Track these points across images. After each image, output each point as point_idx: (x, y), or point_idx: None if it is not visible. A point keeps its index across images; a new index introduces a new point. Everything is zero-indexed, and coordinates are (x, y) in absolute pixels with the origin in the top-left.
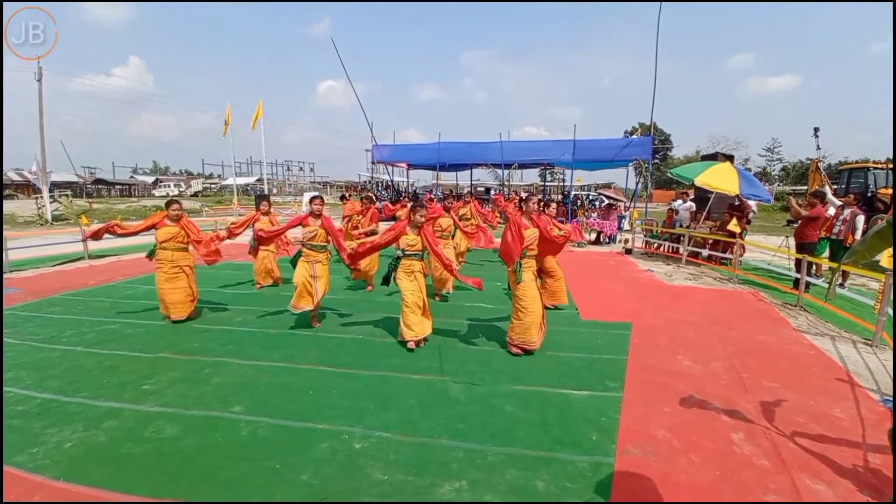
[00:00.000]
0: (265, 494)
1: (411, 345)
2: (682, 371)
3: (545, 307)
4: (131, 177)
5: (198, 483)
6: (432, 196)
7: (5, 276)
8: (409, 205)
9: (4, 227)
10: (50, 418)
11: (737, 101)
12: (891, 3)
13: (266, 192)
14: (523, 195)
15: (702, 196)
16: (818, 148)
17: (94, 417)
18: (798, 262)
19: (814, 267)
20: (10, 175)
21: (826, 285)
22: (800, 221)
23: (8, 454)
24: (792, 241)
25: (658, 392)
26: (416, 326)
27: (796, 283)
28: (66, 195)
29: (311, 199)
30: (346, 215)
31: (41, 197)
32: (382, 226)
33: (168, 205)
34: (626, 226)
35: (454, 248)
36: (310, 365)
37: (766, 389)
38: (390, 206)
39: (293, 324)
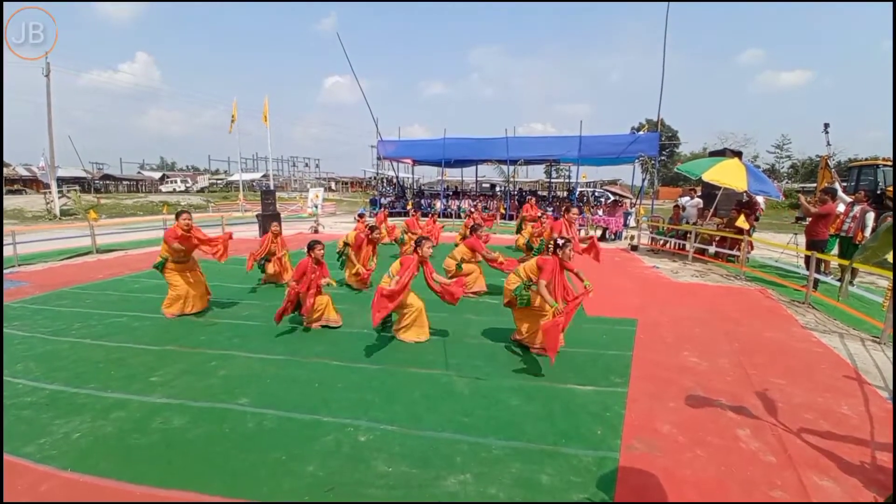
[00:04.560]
0: (271, 485)
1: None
2: (687, 367)
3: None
4: (138, 172)
5: (205, 473)
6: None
7: (15, 269)
8: (414, 240)
9: (13, 221)
10: (58, 409)
11: (746, 97)
12: (891, 4)
13: (272, 188)
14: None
15: (709, 193)
16: (828, 144)
17: (102, 408)
18: (807, 260)
19: (823, 264)
20: (19, 170)
21: (836, 283)
22: (810, 219)
23: (16, 445)
24: (800, 239)
25: (664, 388)
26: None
27: (816, 283)
28: (75, 190)
29: (313, 246)
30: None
31: (50, 192)
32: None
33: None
34: (631, 222)
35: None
36: (315, 358)
37: (773, 386)
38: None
39: (298, 318)
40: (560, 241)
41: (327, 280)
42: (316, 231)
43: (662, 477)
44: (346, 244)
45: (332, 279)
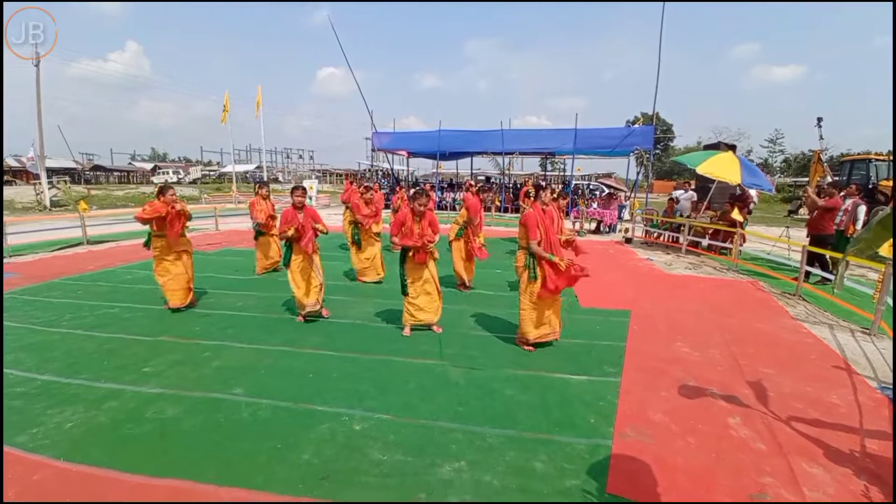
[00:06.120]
0: (266, 473)
1: (406, 331)
2: (680, 357)
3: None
4: (130, 163)
5: (199, 462)
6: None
7: (5, 260)
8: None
9: (3, 212)
10: (50, 399)
11: (740, 91)
12: (891, 3)
13: (266, 180)
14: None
15: (703, 186)
16: (821, 138)
17: (95, 399)
18: (809, 254)
19: (828, 259)
20: (9, 161)
21: (830, 276)
22: (815, 213)
23: (8, 435)
24: (793, 232)
25: (656, 377)
26: (419, 313)
27: (808, 274)
28: (65, 181)
29: (292, 191)
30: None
31: (40, 183)
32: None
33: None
34: (626, 215)
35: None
36: (310, 349)
37: (763, 376)
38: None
39: (293, 308)
40: (540, 184)
41: (320, 227)
42: None
43: (654, 464)
44: (351, 224)
45: (323, 224)
